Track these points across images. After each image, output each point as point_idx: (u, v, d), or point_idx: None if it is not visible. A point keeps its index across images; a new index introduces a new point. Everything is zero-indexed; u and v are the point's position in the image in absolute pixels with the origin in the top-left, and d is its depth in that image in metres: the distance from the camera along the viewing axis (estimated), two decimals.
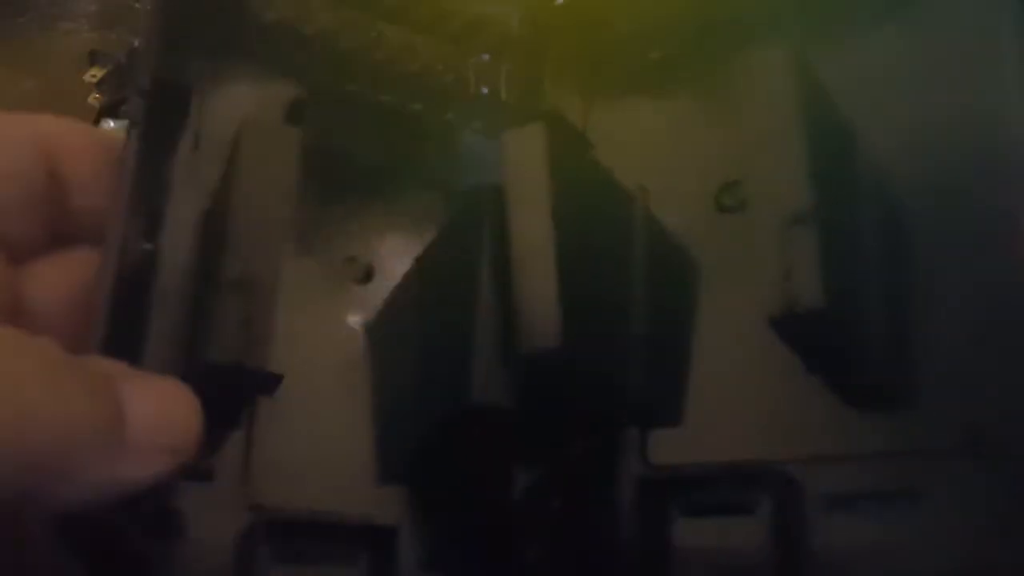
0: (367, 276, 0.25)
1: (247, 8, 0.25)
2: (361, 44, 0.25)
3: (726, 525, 0.22)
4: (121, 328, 0.21)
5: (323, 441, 0.23)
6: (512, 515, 0.24)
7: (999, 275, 0.20)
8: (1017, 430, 0.19)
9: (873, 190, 0.22)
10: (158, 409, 0.19)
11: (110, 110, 0.48)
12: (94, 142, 0.23)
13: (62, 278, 0.22)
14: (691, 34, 0.26)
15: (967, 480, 0.20)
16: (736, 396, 0.23)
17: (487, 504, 0.24)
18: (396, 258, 0.25)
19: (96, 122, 0.47)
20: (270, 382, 0.23)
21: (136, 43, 0.54)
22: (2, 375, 0.17)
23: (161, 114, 0.22)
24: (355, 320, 0.25)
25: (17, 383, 0.17)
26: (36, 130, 0.22)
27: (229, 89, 0.24)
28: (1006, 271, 0.20)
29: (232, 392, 0.22)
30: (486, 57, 0.26)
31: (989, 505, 0.19)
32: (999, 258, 0.20)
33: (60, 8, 0.58)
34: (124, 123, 0.47)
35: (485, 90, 0.26)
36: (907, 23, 0.23)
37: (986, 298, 0.20)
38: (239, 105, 0.23)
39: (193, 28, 0.23)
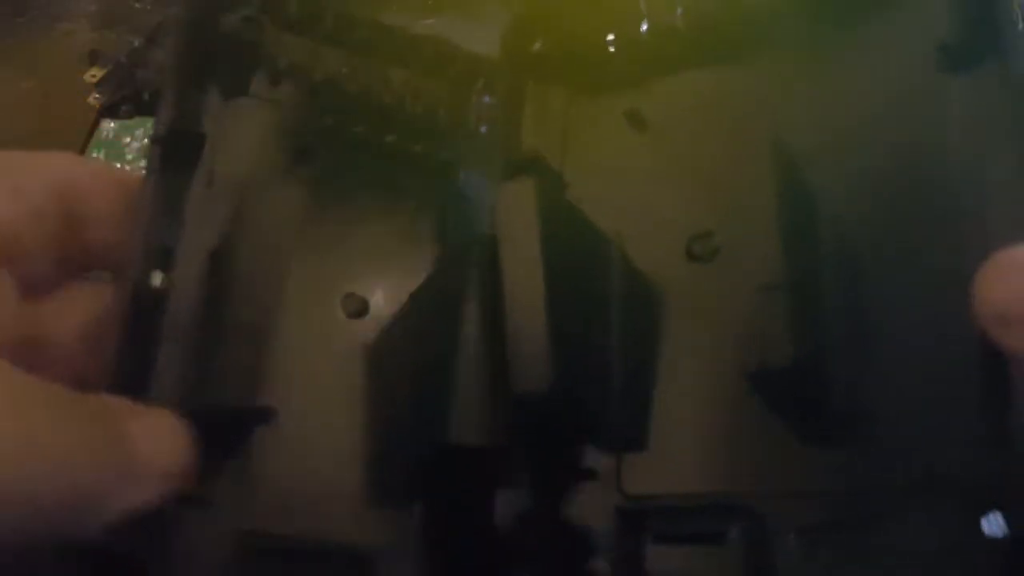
0: (362, 311, 0.26)
1: (261, 54, 0.25)
2: (367, 88, 0.26)
3: (698, 554, 0.23)
4: (131, 361, 0.22)
5: (318, 469, 0.24)
6: (496, 543, 0.25)
7: (953, 326, 0.21)
8: (965, 468, 0.20)
9: (835, 243, 0.23)
10: (156, 441, 0.20)
11: (110, 110, 0.48)
12: (109, 182, 0.24)
13: (77, 311, 0.23)
14: (662, 87, 0.27)
15: (920, 514, 0.21)
16: (705, 430, 0.24)
17: (471, 532, 0.25)
18: (391, 294, 0.26)
19: (95, 122, 0.48)
20: (266, 416, 0.24)
21: (136, 43, 0.54)
22: (7, 411, 0.18)
23: (176, 157, 0.23)
24: (349, 354, 0.26)
25: (22, 419, 0.18)
26: (53, 172, 0.23)
27: (241, 129, 0.24)
28: (958, 324, 0.21)
29: (230, 425, 0.23)
30: (487, 99, 0.27)
31: (941, 537, 0.20)
32: (953, 308, 0.21)
33: (60, 8, 0.59)
34: (123, 123, 0.48)
35: (484, 129, 0.27)
36: (855, 65, 0.25)
37: (939, 347, 0.22)
38: (251, 145, 0.24)
39: (208, 73, 0.24)
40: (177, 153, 0.23)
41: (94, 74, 0.52)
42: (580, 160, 0.28)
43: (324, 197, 0.26)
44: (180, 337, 0.23)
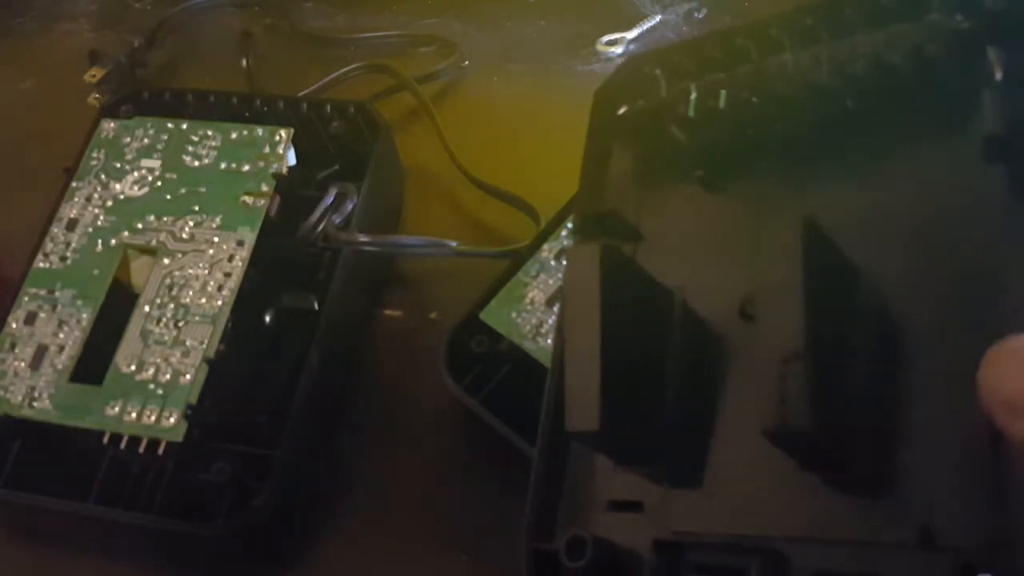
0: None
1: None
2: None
3: None
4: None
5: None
6: None
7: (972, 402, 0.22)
8: (959, 530, 0.22)
9: (869, 317, 0.25)
10: None
11: (110, 110, 0.48)
12: None
13: None
14: (728, 158, 0.30)
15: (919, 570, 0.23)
16: (744, 475, 0.26)
17: None
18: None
19: (96, 122, 0.47)
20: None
21: (136, 43, 0.54)
22: None
23: None
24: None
25: None
26: None
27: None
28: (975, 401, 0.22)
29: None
30: None
31: None
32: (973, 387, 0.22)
33: (60, 8, 0.59)
34: (123, 123, 0.47)
35: None
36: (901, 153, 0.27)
37: (954, 419, 0.23)
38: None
39: None
40: None
41: (94, 74, 0.51)
42: (653, 220, 0.32)
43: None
44: None
